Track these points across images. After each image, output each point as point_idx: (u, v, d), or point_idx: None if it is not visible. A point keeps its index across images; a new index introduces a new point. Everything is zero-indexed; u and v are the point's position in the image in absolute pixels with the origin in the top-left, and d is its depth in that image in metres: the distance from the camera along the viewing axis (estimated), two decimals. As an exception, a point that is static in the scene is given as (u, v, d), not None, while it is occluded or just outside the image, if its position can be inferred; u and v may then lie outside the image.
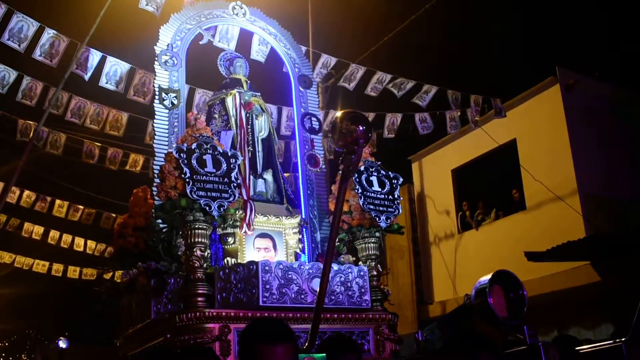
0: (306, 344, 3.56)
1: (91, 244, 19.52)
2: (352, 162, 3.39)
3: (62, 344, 20.46)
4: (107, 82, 10.21)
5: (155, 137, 7.23)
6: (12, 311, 30.81)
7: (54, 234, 18.91)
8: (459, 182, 16.90)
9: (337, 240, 7.17)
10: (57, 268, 20.99)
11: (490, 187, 16.06)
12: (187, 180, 5.78)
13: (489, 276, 4.00)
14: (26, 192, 16.62)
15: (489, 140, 14.06)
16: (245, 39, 9.49)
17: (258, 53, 9.55)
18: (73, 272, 21.10)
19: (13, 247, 20.33)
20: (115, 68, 10.23)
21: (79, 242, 19.40)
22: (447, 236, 16.73)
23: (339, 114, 3.60)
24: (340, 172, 4.33)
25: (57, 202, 17.24)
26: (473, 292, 4.07)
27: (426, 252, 17.40)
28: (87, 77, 10.26)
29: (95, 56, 10.20)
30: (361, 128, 3.35)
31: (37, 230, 18.63)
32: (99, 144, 14.20)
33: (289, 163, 8.98)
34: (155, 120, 7.34)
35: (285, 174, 8.12)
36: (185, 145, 6.02)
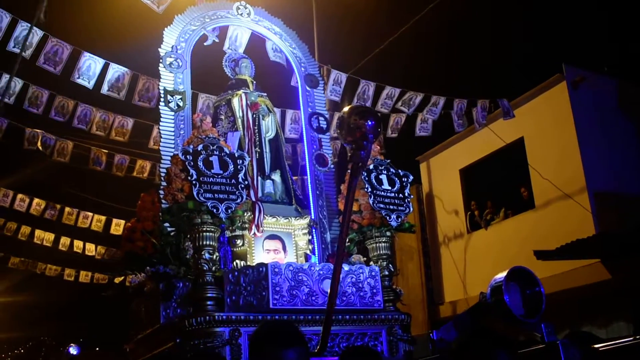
0: (317, 348, 3.45)
1: (101, 249, 19.53)
2: (361, 157, 3.26)
3: (73, 350, 20.40)
4: (109, 90, 10.11)
5: (162, 140, 7.16)
6: (26, 318, 30.82)
7: (64, 240, 18.94)
8: (467, 182, 16.81)
9: (347, 240, 7.10)
10: (69, 273, 21.02)
11: (498, 187, 15.94)
12: (194, 182, 5.70)
13: (504, 273, 3.90)
14: (36, 200, 16.65)
15: (497, 139, 13.97)
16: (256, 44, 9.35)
17: (276, 57, 9.30)
18: (85, 277, 21.14)
19: (25, 254, 20.36)
20: (118, 74, 10.13)
21: (90, 247, 19.42)
22: (457, 236, 16.63)
23: (346, 109, 3.49)
24: (350, 169, 4.22)
25: (67, 209, 17.25)
26: (488, 290, 3.96)
27: (436, 252, 17.31)
28: (90, 85, 10.12)
29: (97, 63, 10.10)
30: (370, 122, 3.23)
31: (48, 237, 18.66)
32: (106, 151, 14.18)
33: (296, 166, 8.91)
34: (160, 123, 7.26)
35: (294, 177, 8.04)
36: (192, 147, 5.94)
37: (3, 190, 16.28)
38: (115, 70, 10.05)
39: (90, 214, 17.56)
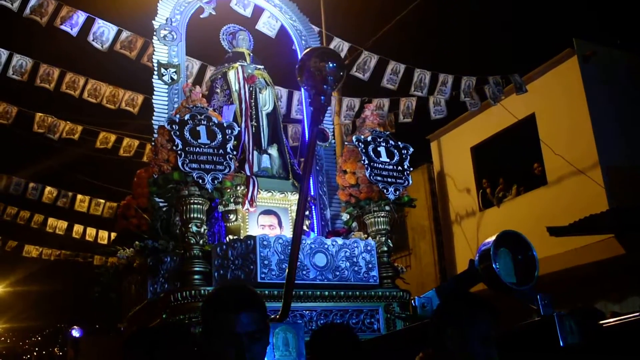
0: (279, 314, 3.24)
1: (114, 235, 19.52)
2: (321, 103, 3.05)
3: (75, 332, 20.32)
4: (121, 48, 10.24)
5: (155, 113, 7.01)
6: (44, 306, 31.10)
7: (77, 227, 18.94)
8: (479, 160, 16.56)
9: (348, 215, 6.89)
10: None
11: (510, 164, 15.70)
12: (179, 152, 5.53)
13: (493, 238, 3.63)
14: (48, 189, 16.63)
15: (508, 116, 13.70)
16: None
17: (265, 25, 9.12)
18: (99, 261, 21.15)
19: (39, 242, 20.42)
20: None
21: (103, 234, 19.41)
22: (469, 214, 16.40)
23: (306, 50, 3.28)
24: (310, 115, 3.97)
25: (79, 197, 17.23)
26: (477, 256, 3.71)
27: (448, 231, 17.11)
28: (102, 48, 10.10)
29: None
30: (331, 65, 3.02)
31: (61, 225, 18.66)
32: (114, 135, 14.10)
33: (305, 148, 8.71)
34: (154, 96, 7.15)
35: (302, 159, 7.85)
36: (178, 116, 5.76)
37: (15, 179, 16.26)
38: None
39: (102, 200, 17.57)
